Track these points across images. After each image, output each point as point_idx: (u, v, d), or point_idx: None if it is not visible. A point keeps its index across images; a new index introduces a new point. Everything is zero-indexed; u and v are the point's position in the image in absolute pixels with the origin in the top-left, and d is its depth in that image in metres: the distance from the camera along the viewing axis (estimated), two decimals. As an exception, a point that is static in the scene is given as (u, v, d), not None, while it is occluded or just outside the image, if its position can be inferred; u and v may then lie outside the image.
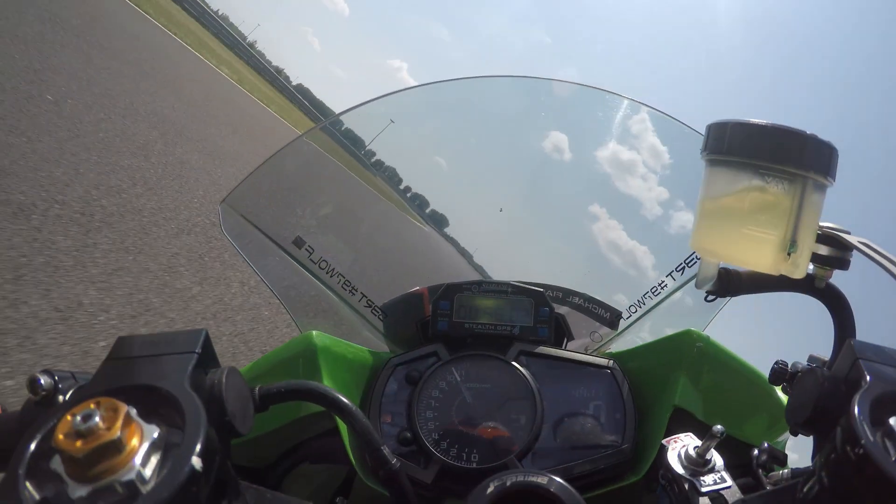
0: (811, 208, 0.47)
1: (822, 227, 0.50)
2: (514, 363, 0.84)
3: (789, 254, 0.47)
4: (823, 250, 0.50)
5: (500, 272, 1.15)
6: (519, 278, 0.95)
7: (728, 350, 0.82)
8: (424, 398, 0.80)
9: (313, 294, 0.98)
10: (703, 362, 0.80)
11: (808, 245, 0.48)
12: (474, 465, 0.75)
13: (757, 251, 0.49)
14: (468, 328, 0.88)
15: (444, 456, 0.75)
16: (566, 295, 1.01)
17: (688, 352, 0.80)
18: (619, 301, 1.02)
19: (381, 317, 0.98)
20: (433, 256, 1.22)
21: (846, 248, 0.50)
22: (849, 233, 0.49)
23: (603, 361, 0.86)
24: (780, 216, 0.47)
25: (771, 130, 0.47)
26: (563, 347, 0.95)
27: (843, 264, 0.51)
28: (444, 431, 0.78)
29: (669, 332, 0.86)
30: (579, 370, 0.85)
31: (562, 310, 0.99)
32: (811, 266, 0.52)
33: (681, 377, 0.79)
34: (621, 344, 1.01)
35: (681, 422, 0.75)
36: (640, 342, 0.92)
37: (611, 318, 1.01)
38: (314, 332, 0.78)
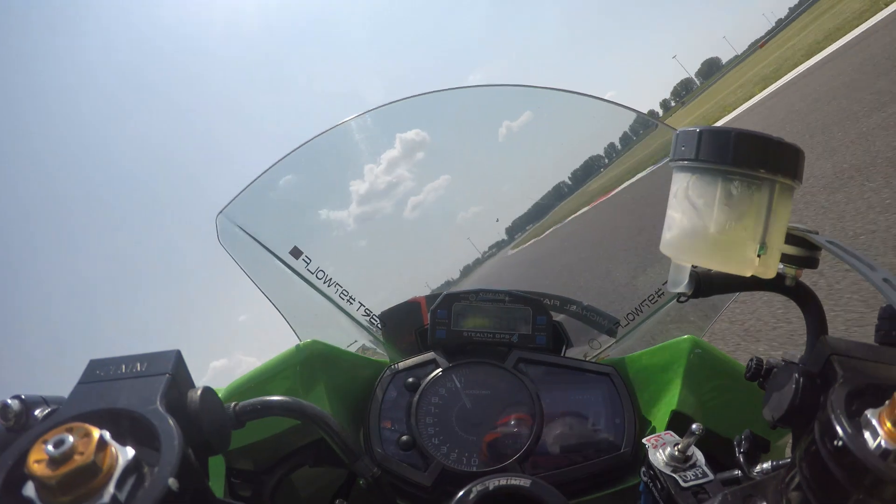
0: (780, 211, 0.49)
1: (791, 227, 0.51)
2: (512, 370, 0.85)
3: (759, 255, 0.49)
4: (793, 250, 0.52)
5: (498, 281, 1.16)
6: (517, 287, 0.96)
7: (725, 355, 0.83)
8: (424, 404, 0.81)
9: (312, 303, 1.00)
10: (700, 368, 0.81)
11: (777, 246, 0.50)
12: (474, 469, 0.76)
13: (727, 255, 0.50)
14: (466, 336, 0.89)
15: (443, 460, 0.76)
16: (564, 303, 1.02)
17: (686, 358, 0.81)
18: (617, 309, 1.03)
19: (379, 325, 1.00)
20: (431, 265, 1.24)
21: (815, 247, 0.52)
22: (817, 233, 0.51)
23: (602, 368, 0.86)
24: (749, 220, 0.49)
25: (739, 136, 0.48)
26: (562, 355, 0.96)
27: (812, 263, 0.53)
28: (444, 436, 0.78)
29: (667, 338, 0.87)
30: (578, 376, 0.86)
31: (560, 318, 1.00)
32: (781, 265, 0.54)
33: (679, 382, 0.80)
34: (620, 351, 1.02)
35: (680, 426, 0.76)
36: (638, 349, 0.93)
37: (609, 325, 1.02)
38: (313, 341, 0.80)
